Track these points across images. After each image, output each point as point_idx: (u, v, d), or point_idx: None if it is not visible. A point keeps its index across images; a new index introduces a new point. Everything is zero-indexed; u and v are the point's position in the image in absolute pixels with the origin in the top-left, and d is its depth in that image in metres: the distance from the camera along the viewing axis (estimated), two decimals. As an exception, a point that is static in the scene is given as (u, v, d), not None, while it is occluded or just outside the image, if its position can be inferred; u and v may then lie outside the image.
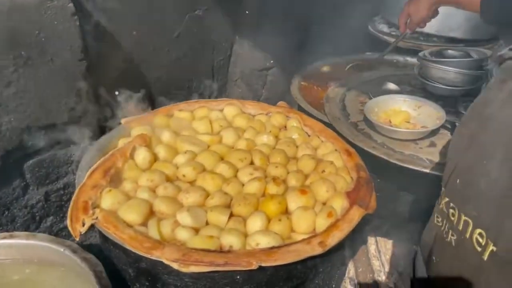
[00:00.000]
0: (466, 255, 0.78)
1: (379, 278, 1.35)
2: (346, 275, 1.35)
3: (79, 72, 1.08)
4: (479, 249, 0.74)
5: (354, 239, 1.40)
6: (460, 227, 0.80)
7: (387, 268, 1.38)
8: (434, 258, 0.93)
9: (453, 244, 0.83)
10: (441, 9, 1.81)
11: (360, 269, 1.40)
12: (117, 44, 1.27)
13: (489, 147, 0.75)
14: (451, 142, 0.94)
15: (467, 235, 0.78)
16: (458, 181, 0.84)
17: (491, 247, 0.71)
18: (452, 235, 0.84)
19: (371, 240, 1.46)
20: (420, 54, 1.55)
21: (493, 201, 0.72)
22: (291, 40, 1.82)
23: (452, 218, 0.84)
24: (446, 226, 0.86)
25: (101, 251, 1.00)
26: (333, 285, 1.16)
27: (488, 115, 0.78)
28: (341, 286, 1.31)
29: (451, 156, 0.92)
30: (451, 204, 0.85)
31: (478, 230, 0.75)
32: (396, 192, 1.38)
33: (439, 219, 0.91)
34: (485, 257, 0.72)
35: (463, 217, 0.80)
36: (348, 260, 1.36)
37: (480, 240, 0.74)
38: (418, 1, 1.49)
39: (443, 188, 0.92)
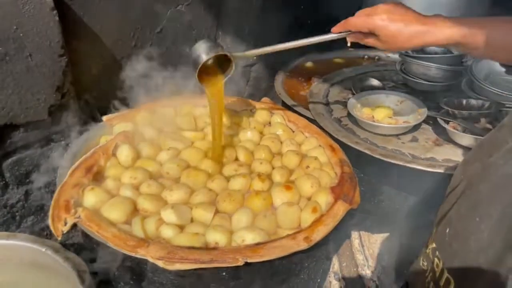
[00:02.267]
0: None
1: (363, 272, 1.37)
2: (331, 269, 1.37)
3: (59, 68, 1.06)
4: None
5: (338, 234, 1.42)
6: (442, 283, 0.72)
7: (370, 262, 1.40)
8: None
9: None
10: (421, 6, 1.84)
11: (344, 264, 1.42)
12: (98, 40, 1.25)
13: (485, 202, 0.66)
14: (453, 179, 0.83)
15: None
16: (447, 230, 0.75)
17: None
18: (433, 286, 0.76)
19: (354, 234, 1.48)
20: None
21: (481, 268, 0.62)
22: (274, 36, 1.81)
23: (436, 269, 0.75)
24: (429, 276, 0.78)
25: (84, 251, 0.99)
26: (318, 280, 1.17)
27: (491, 163, 0.68)
28: (326, 281, 1.32)
29: (448, 196, 0.82)
30: (437, 253, 0.77)
31: None
32: (379, 187, 1.40)
33: (424, 264, 0.83)
34: None
35: (446, 274, 0.71)
36: (333, 254, 1.38)
37: None
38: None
39: (434, 229, 0.84)
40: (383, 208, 1.42)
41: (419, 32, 0.95)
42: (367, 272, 1.38)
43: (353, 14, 1.07)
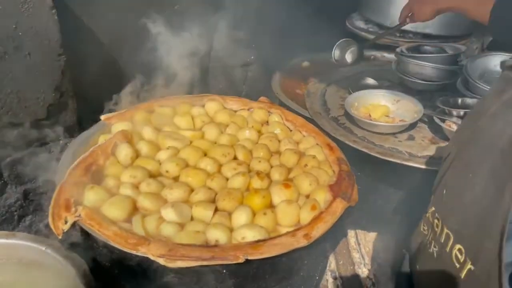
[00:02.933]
0: (445, 269, 0.77)
1: (359, 270, 1.38)
2: (328, 268, 1.37)
3: (58, 67, 1.06)
4: (457, 265, 0.72)
5: (335, 233, 1.43)
6: (442, 240, 0.79)
7: (367, 260, 1.41)
8: (417, 266, 0.92)
9: (435, 255, 0.82)
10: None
11: (341, 262, 1.43)
12: (97, 39, 1.25)
13: (477, 161, 0.72)
14: (445, 149, 0.92)
15: (447, 249, 0.76)
16: (444, 192, 0.82)
17: (469, 265, 0.69)
18: (435, 246, 0.82)
19: (351, 233, 1.49)
20: (398, 50, 1.58)
21: (476, 218, 0.69)
22: (271, 36, 1.82)
23: (436, 229, 0.82)
24: (430, 236, 0.85)
25: (84, 250, 0.99)
26: (317, 277, 1.18)
27: (479, 127, 0.75)
28: (323, 279, 1.33)
29: (442, 164, 0.90)
30: (436, 214, 0.83)
31: (458, 246, 0.73)
32: (376, 185, 1.41)
33: (425, 228, 0.90)
34: (463, 275, 0.70)
35: (445, 230, 0.78)
36: (329, 253, 1.39)
37: (459, 256, 0.72)
38: (425, 4, 1.42)
39: (432, 196, 0.91)
40: (379, 206, 1.43)
41: None
42: (363, 270, 1.39)
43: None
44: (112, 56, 1.33)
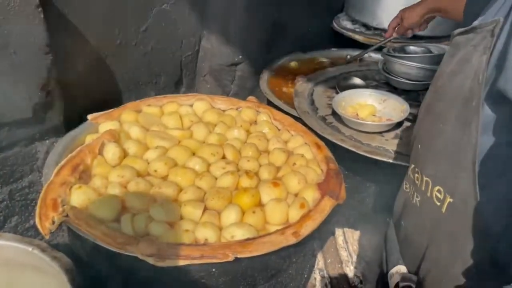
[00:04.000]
0: (428, 211, 0.85)
1: (347, 268, 1.40)
2: (316, 266, 1.38)
3: (44, 66, 1.04)
4: (438, 203, 0.81)
5: (323, 231, 1.44)
6: (423, 188, 0.87)
7: (354, 258, 1.43)
8: (402, 222, 0.99)
9: (418, 205, 0.90)
10: (402, 6, 1.88)
11: (329, 260, 1.44)
12: (83, 38, 1.23)
13: (443, 112, 0.82)
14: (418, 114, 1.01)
15: (428, 194, 0.84)
16: (419, 146, 0.92)
17: (448, 200, 0.78)
18: (417, 196, 0.90)
19: (338, 231, 1.50)
20: (384, 50, 1.61)
21: (448, 157, 0.78)
22: (259, 36, 1.83)
23: (417, 182, 0.90)
24: (412, 190, 0.93)
25: (70, 250, 0.98)
26: (305, 275, 1.18)
27: (440, 86, 0.85)
28: (311, 277, 1.34)
29: (413, 131, 1.00)
30: (416, 169, 0.91)
31: (437, 187, 0.82)
32: (363, 184, 1.42)
33: (407, 185, 0.97)
34: (443, 210, 0.79)
35: (425, 178, 0.86)
36: (317, 252, 1.40)
37: (439, 195, 0.81)
38: (413, 8, 1.55)
39: (411, 156, 0.99)
40: (366, 204, 1.45)
41: None
42: (351, 268, 1.41)
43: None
44: (98, 55, 1.32)
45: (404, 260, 0.97)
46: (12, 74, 0.99)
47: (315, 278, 1.36)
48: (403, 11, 1.60)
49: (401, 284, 0.90)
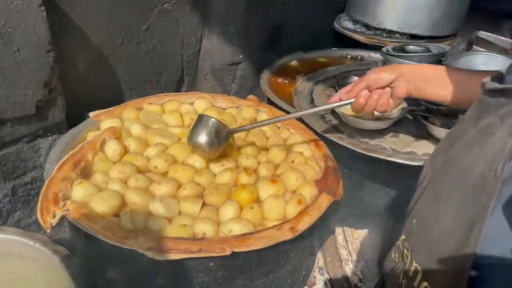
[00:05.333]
0: None
1: (347, 267, 1.41)
2: (315, 264, 1.40)
3: (46, 64, 1.06)
4: None
5: (323, 230, 1.45)
6: (411, 273, 0.73)
7: (354, 257, 1.44)
8: None
9: None
10: (403, 7, 1.90)
11: (329, 259, 1.45)
12: (86, 36, 1.25)
13: (447, 192, 0.66)
14: (421, 172, 0.84)
15: (415, 285, 0.70)
16: (414, 221, 0.77)
17: None
18: (403, 279, 0.76)
19: (338, 230, 1.51)
20: (383, 49, 1.61)
21: (442, 256, 0.63)
22: (260, 35, 1.84)
23: (406, 260, 0.76)
24: (400, 266, 0.79)
25: (72, 245, 1.00)
26: (303, 272, 1.20)
27: (452, 156, 0.69)
28: (311, 276, 1.35)
29: (416, 190, 0.83)
30: (406, 244, 0.78)
31: (425, 283, 0.67)
32: (362, 182, 1.43)
33: (396, 256, 0.83)
34: None
35: (414, 263, 0.72)
36: (317, 250, 1.41)
37: None
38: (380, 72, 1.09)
39: (405, 221, 0.85)
40: (365, 203, 1.46)
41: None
42: (350, 266, 1.42)
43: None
44: (100, 53, 1.34)
45: None
46: (15, 72, 1.01)
47: (314, 277, 1.37)
48: (369, 74, 1.09)
49: None
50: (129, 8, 1.36)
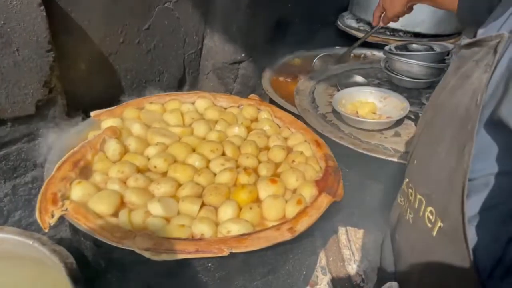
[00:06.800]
0: (420, 231, 0.82)
1: (349, 267, 1.40)
2: (318, 264, 1.39)
3: (46, 63, 1.06)
4: (429, 225, 0.78)
5: (325, 229, 1.45)
6: (416, 205, 0.84)
7: (357, 257, 1.43)
8: (396, 236, 0.97)
9: (411, 221, 0.88)
10: (406, 5, 1.88)
11: (331, 258, 1.45)
12: (86, 36, 1.26)
13: (440, 131, 0.78)
14: (415, 131, 0.99)
15: (421, 213, 0.82)
16: (415, 162, 0.89)
17: (439, 224, 0.75)
18: (410, 213, 0.88)
19: (342, 230, 1.51)
20: (386, 48, 1.60)
21: (442, 180, 0.75)
22: (262, 34, 1.84)
23: (410, 198, 0.88)
24: (406, 205, 0.91)
25: (72, 244, 1.00)
26: (304, 272, 1.19)
27: (440, 102, 0.81)
28: (313, 275, 1.35)
29: (412, 142, 0.98)
30: (410, 184, 0.89)
31: (429, 208, 0.79)
32: (364, 182, 1.42)
33: (401, 199, 0.95)
34: (434, 233, 0.76)
35: (418, 196, 0.84)
36: (320, 249, 1.40)
37: (431, 217, 0.78)
38: None
39: (406, 170, 0.97)
40: (368, 203, 1.45)
41: None
42: (353, 266, 1.41)
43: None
44: (101, 53, 1.34)
45: (396, 274, 0.96)
46: (14, 71, 1.01)
47: (317, 276, 1.37)
48: (384, 1, 1.53)
49: None
50: (129, 7, 1.36)
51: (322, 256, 1.43)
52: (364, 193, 1.44)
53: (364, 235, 1.52)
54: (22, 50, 1.01)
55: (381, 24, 1.64)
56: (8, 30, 0.96)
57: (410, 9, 1.51)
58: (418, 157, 0.89)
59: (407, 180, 0.92)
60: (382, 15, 1.59)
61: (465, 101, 0.70)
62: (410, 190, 0.89)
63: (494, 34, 0.65)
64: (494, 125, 0.67)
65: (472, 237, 0.69)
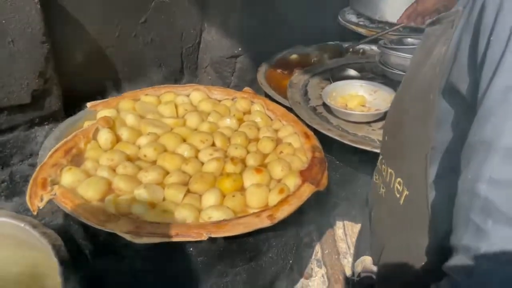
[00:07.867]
0: (389, 203, 0.88)
1: (345, 260, 1.41)
2: (313, 257, 1.41)
3: (41, 54, 1.10)
4: (398, 195, 0.84)
5: (321, 223, 1.46)
6: (387, 179, 0.90)
7: (352, 250, 1.44)
8: (372, 213, 1.01)
9: (383, 196, 0.93)
10: (403, 0, 1.87)
11: (327, 251, 1.46)
12: (82, 29, 1.29)
13: (407, 104, 0.83)
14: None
15: (391, 185, 0.87)
16: (386, 138, 0.95)
17: (405, 192, 0.80)
18: (383, 188, 0.93)
19: (339, 224, 1.52)
20: (381, 42, 1.60)
21: (408, 150, 0.80)
22: (260, 29, 1.85)
23: (383, 173, 0.93)
24: (380, 181, 0.96)
25: (64, 229, 1.03)
26: (290, 261, 1.21)
27: (409, 77, 0.86)
28: (308, 267, 1.37)
29: (385, 119, 1.03)
30: (383, 160, 0.94)
31: (398, 179, 0.84)
32: (362, 177, 1.43)
33: (376, 176, 1.00)
34: (401, 201, 0.82)
35: (389, 170, 0.89)
36: (315, 242, 1.42)
37: (399, 187, 0.84)
38: None
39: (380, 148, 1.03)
40: (359, 195, 1.46)
41: None
42: (349, 260, 1.42)
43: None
44: (97, 45, 1.37)
45: (370, 250, 0.99)
46: (10, 62, 1.05)
47: (312, 269, 1.38)
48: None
49: (362, 274, 0.92)
50: (126, 1, 1.39)
51: (317, 249, 1.45)
52: (355, 185, 1.46)
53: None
54: (17, 42, 1.04)
55: (405, 21, 1.60)
56: (3, 22, 1.00)
57: (437, 13, 1.47)
58: (388, 132, 0.94)
59: (381, 157, 0.98)
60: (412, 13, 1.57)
61: (428, 74, 0.75)
62: (383, 166, 0.94)
63: (452, 10, 0.71)
64: (449, 92, 0.72)
65: (435, 201, 0.75)
